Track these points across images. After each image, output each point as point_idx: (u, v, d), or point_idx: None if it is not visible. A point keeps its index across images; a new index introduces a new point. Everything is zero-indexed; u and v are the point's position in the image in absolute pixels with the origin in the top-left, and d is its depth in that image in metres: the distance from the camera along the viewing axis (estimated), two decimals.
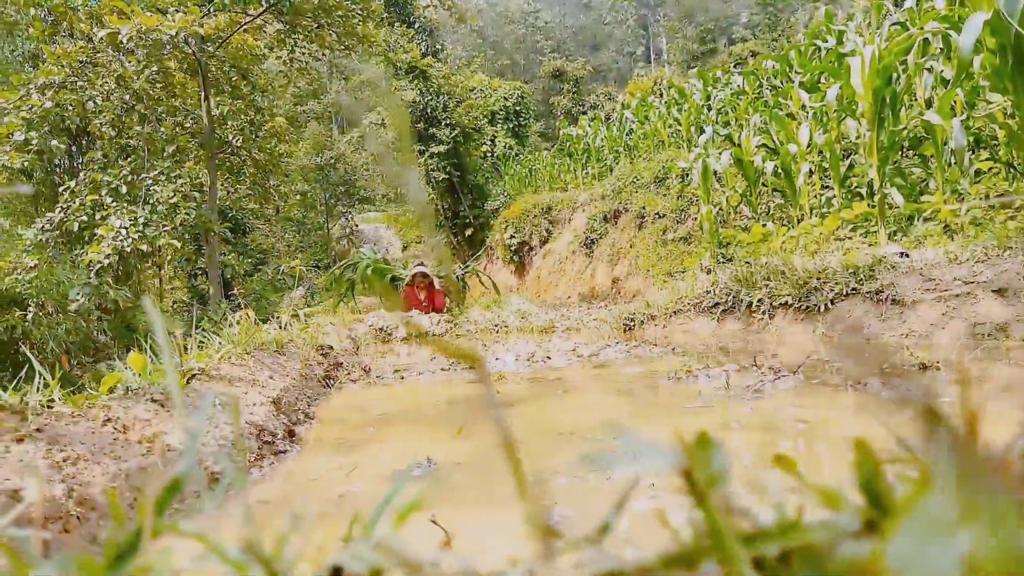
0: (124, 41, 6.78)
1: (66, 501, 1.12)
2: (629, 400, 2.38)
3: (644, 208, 12.37)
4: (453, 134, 17.90)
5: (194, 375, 1.93)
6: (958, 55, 3.54)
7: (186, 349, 2.14)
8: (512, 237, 17.12)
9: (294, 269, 16.01)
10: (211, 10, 7.99)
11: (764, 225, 7.67)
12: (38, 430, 1.23)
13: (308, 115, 31.93)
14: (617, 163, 15.62)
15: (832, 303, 3.81)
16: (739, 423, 1.76)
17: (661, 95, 18.66)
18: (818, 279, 3.92)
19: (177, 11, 7.18)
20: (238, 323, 3.30)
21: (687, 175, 10.72)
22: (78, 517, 1.09)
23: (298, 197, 27.50)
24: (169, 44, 7.05)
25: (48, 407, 1.39)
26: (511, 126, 24.25)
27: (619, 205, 13.33)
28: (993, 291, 3.22)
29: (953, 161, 4.38)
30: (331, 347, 3.61)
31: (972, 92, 5.31)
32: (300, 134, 27.14)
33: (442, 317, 6.54)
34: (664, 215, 11.81)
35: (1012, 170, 4.83)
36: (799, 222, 6.72)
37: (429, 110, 16.99)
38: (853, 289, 3.73)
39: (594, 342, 4.52)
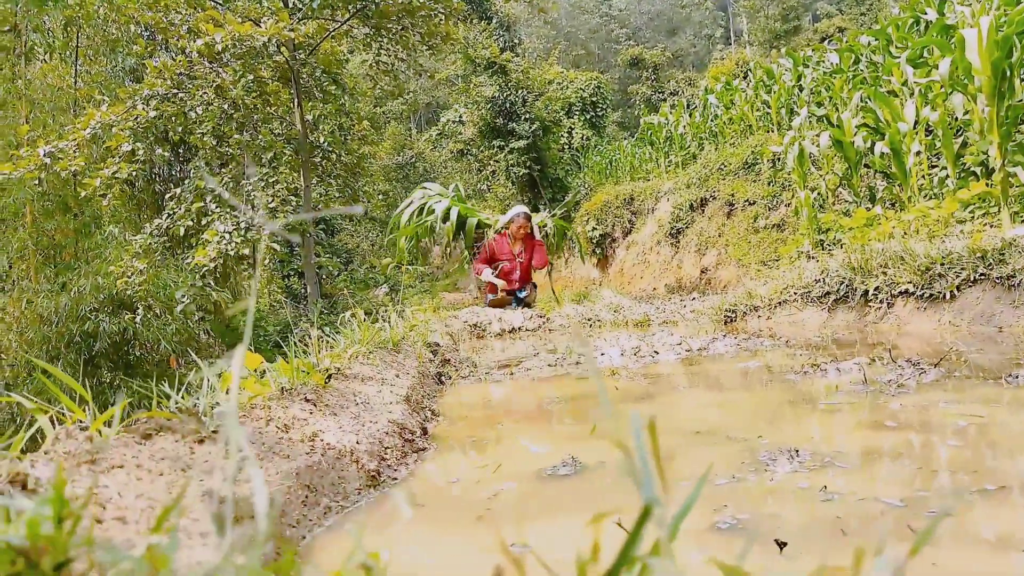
0: (219, 50, 7.10)
1: (251, 499, 1.15)
2: (758, 396, 2.31)
3: (733, 195, 12.04)
4: (532, 128, 17.91)
5: (331, 375, 1.99)
6: None
7: (318, 350, 2.21)
8: (594, 229, 16.99)
9: (384, 267, 16.44)
10: (300, 18, 8.27)
11: (868, 209, 7.31)
12: (215, 431, 1.28)
13: (388, 115, 32.68)
14: (701, 150, 15.25)
15: (959, 290, 3.59)
16: (893, 421, 1.67)
17: (746, 76, 18.08)
18: (942, 264, 3.70)
19: (268, 20, 7.47)
20: (348, 323, 3.40)
21: (779, 159, 10.35)
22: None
23: (381, 197, 28.22)
24: (262, 52, 7.34)
25: (214, 408, 1.45)
26: (588, 117, 24.03)
27: (706, 193, 13.01)
28: None
29: None
30: (439, 344, 3.67)
31: None
32: (381, 135, 27.83)
33: (534, 312, 6.54)
34: (755, 202, 11.45)
35: None
36: (908, 204, 6.37)
37: (508, 105, 17.06)
38: (982, 275, 3.50)
39: (698, 335, 4.42)
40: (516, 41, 19.70)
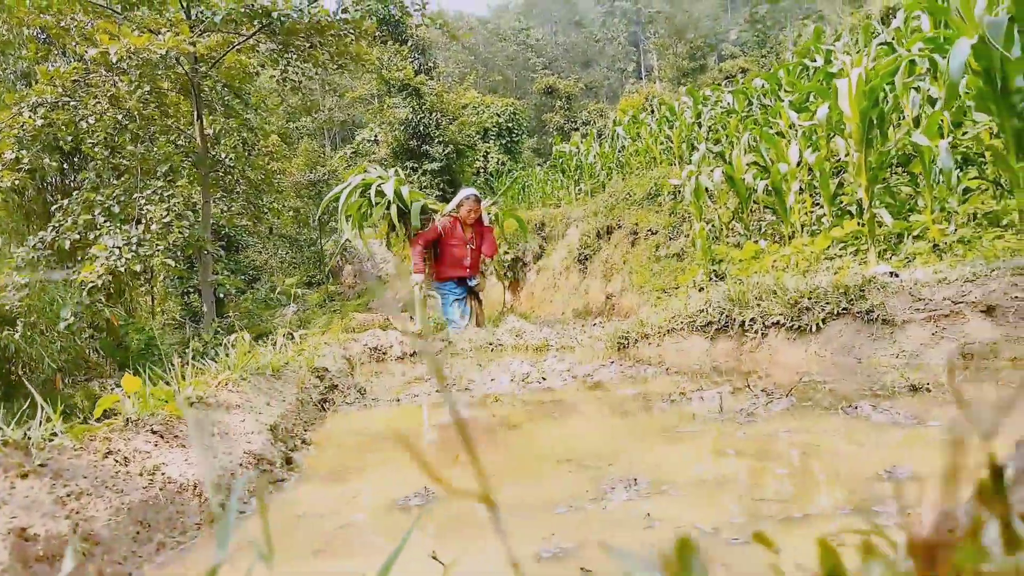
0: (114, 61, 6.81)
1: (72, 537, 1.13)
2: (624, 422, 2.40)
3: (637, 224, 12.45)
4: (446, 151, 17.99)
5: (192, 403, 1.94)
6: (947, 78, 3.61)
7: (183, 376, 2.15)
8: (506, 253, 17.17)
9: (288, 288, 16.01)
10: (202, 31, 8.06)
11: (756, 242, 7.74)
12: (42, 465, 1.24)
13: (301, 131, 32.04)
14: (610, 179, 15.73)
15: (824, 323, 3.84)
16: (733, 449, 1.78)
17: (652, 112, 18.83)
18: (809, 299, 3.96)
19: (167, 32, 7.22)
20: (233, 345, 3.31)
21: (679, 192, 10.80)
22: (83, 553, 1.10)
23: (291, 214, 27.51)
24: (161, 64, 7.10)
25: (51, 440, 1.40)
26: (504, 142, 24.37)
27: (612, 221, 13.40)
28: (981, 311, 3.26)
29: (941, 180, 4.44)
30: (326, 369, 3.62)
31: (958, 111, 5.40)
32: (293, 151, 27.23)
33: (436, 336, 6.53)
34: (657, 231, 11.88)
35: (999, 188, 4.90)
36: (791, 240, 6.79)
37: (422, 128, 17.10)
38: (844, 309, 3.77)
39: (589, 361, 4.54)
40: (431, 64, 19.83)
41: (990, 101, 3.82)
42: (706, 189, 9.21)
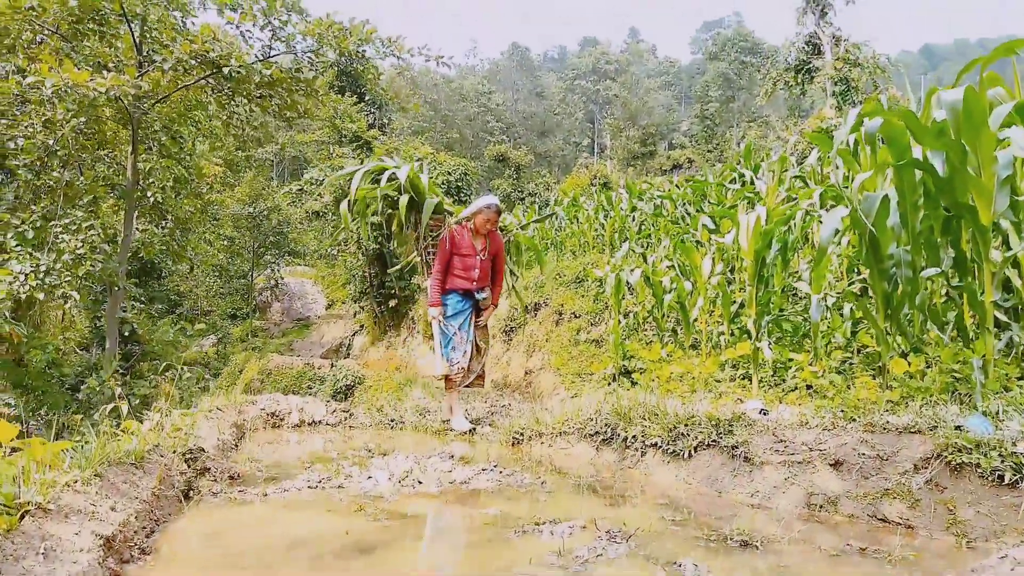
0: (48, 95, 6.72)
1: None
2: (464, 557, 2.49)
3: (563, 305, 12.73)
4: None
5: (28, 511, 1.94)
6: (818, 242, 3.96)
7: (34, 468, 2.14)
8: None
9: (199, 330, 15.65)
10: (149, 70, 8.05)
11: (665, 343, 8.05)
12: None
13: (250, 161, 31.69)
14: (545, 254, 16.11)
15: (695, 451, 4.05)
16: None
17: (593, 194, 19.48)
18: (686, 425, 4.17)
19: (111, 72, 7.18)
20: (110, 418, 3.28)
21: (603, 282, 11.16)
22: None
23: (225, 242, 26.93)
24: (100, 100, 7.03)
25: None
26: (451, 201, 24.62)
27: (540, 298, 13.68)
28: (830, 463, 3.50)
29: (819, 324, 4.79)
30: (202, 449, 3.59)
31: (854, 258, 5.84)
32: (239, 178, 26.87)
33: (336, 406, 6.52)
34: (580, 315, 12.18)
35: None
36: (693, 348, 7.11)
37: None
38: (714, 441, 3.98)
39: (475, 460, 4.63)
40: (386, 120, 20.10)
41: (865, 262, 4.18)
42: (627, 283, 9.56)
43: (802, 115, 34.62)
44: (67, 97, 6.83)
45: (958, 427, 3.26)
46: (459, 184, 25.63)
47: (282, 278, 28.60)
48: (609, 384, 8.81)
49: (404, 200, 6.36)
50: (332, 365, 18.47)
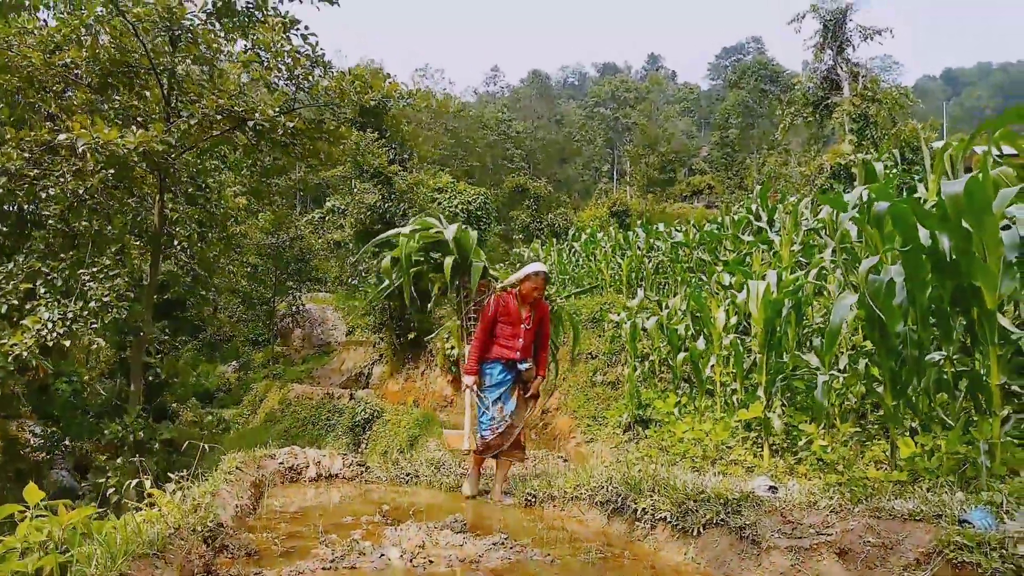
0: (79, 152, 6.98)
1: None
2: None
3: (580, 345, 12.79)
4: None
5: None
6: (829, 326, 4.01)
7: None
8: (453, 348, 17.31)
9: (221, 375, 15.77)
10: (176, 123, 8.32)
11: (680, 395, 8.07)
12: None
13: (273, 189, 32.15)
14: (564, 289, 16.19)
15: (704, 528, 4.08)
16: None
17: (612, 227, 19.59)
18: (695, 501, 4.21)
19: (139, 124, 7.45)
20: (133, 495, 3.40)
21: (619, 325, 11.20)
22: None
23: (248, 270, 27.33)
24: (129, 156, 7.29)
25: None
26: (472, 229, 24.86)
27: (558, 337, 13.74)
28: (836, 552, 3.53)
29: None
30: (221, 525, 3.70)
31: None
32: (263, 205, 27.33)
33: (353, 459, 6.62)
34: (597, 356, 12.22)
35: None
36: (705, 404, 7.12)
37: (388, 215, 17.46)
38: (722, 520, 4.01)
39: (487, 524, 4.69)
40: (406, 156, 20.40)
41: (873, 340, 4.23)
42: (643, 329, 9.61)
43: (823, 141, 34.52)
44: (97, 156, 7.09)
45: (962, 521, 3.27)
46: (479, 213, 25.90)
47: (303, 304, 28.90)
48: (624, 431, 8.83)
49: (449, 261, 6.22)
50: (351, 396, 18.61)
